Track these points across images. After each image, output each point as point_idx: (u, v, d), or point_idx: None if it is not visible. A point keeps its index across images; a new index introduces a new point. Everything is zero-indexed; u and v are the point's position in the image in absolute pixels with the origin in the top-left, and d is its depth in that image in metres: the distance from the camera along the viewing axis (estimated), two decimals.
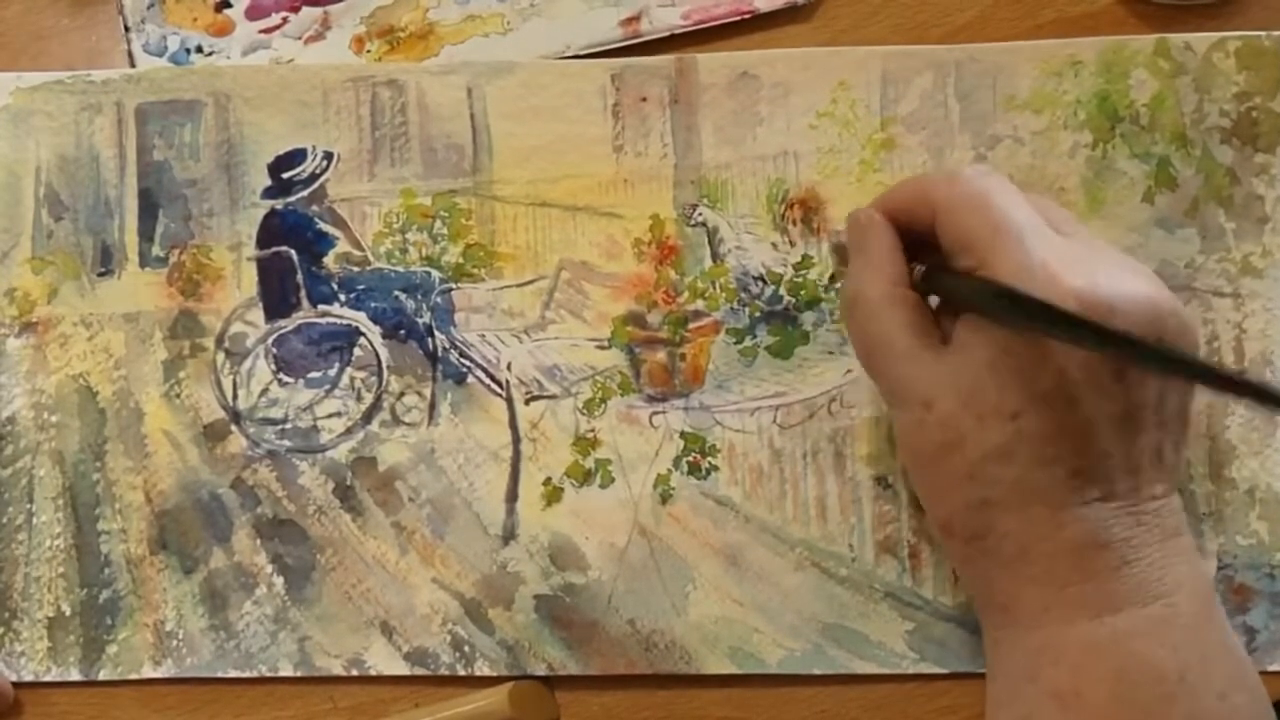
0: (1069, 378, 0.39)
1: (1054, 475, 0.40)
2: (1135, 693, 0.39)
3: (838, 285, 0.53)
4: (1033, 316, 0.39)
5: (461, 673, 0.52)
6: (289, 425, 0.53)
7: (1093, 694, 0.40)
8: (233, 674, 0.52)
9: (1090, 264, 0.40)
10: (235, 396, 0.54)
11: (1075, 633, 0.40)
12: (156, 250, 0.54)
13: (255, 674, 0.52)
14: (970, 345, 0.41)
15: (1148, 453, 0.41)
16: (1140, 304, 0.40)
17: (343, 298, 0.54)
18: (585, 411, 0.53)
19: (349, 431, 0.53)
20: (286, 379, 0.54)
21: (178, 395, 0.54)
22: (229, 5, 0.56)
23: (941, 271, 0.43)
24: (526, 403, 0.53)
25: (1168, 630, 0.40)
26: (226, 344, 0.54)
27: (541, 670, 0.51)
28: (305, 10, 0.56)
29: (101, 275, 0.54)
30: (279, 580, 0.52)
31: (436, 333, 0.54)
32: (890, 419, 0.51)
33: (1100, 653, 0.40)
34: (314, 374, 0.54)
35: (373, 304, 0.54)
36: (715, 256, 0.53)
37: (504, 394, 0.53)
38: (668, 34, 0.55)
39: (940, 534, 0.44)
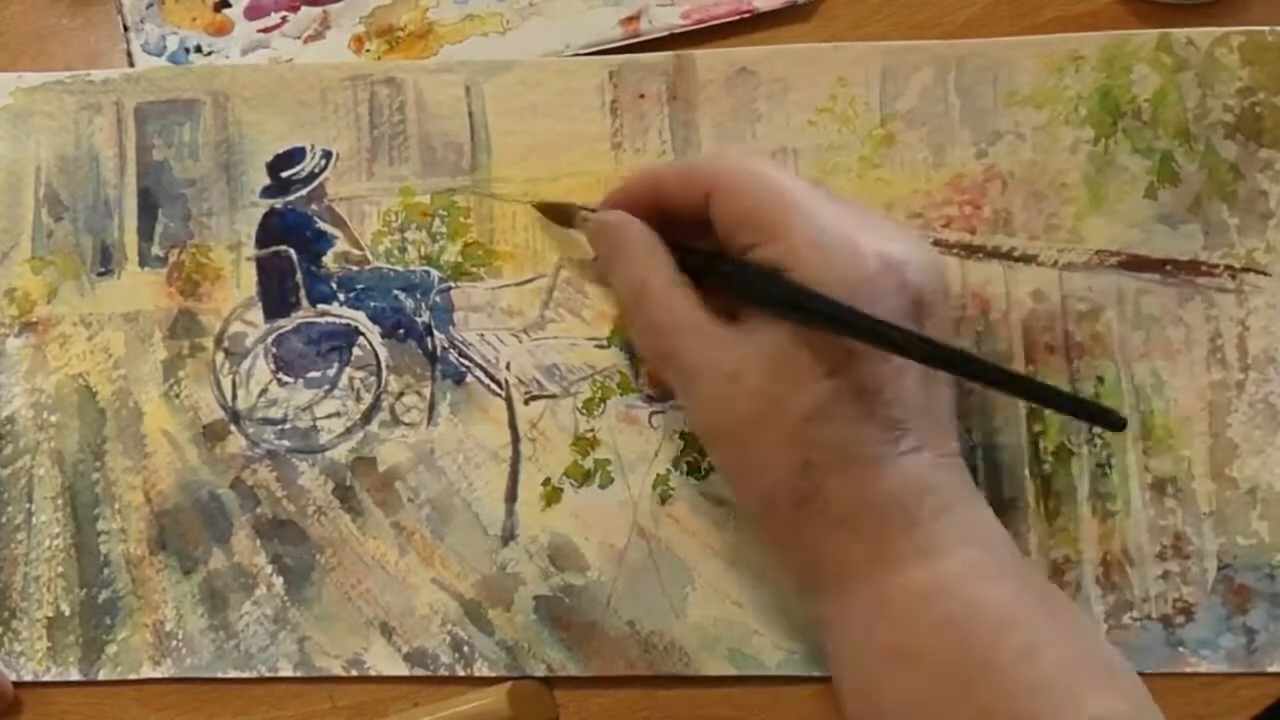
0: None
1: (872, 428, 0.41)
2: (968, 637, 0.40)
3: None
4: (824, 317, 0.40)
5: (461, 673, 0.51)
6: (288, 425, 0.53)
7: (926, 644, 0.40)
8: (232, 674, 0.52)
9: (875, 227, 0.42)
10: (234, 396, 0.54)
11: (903, 582, 0.41)
12: (156, 250, 0.54)
13: (255, 674, 0.52)
14: (768, 319, 0.42)
15: (945, 407, 0.43)
16: (930, 261, 0.42)
17: (342, 297, 0.54)
18: (585, 411, 0.53)
19: (348, 431, 0.53)
20: (286, 379, 0.54)
21: (177, 395, 0.54)
22: (228, 5, 0.56)
23: (717, 259, 0.44)
24: (526, 402, 0.53)
25: (991, 571, 0.41)
26: (226, 344, 0.54)
27: (541, 671, 0.51)
28: (304, 10, 0.56)
29: (101, 275, 0.54)
30: (278, 580, 0.52)
31: (435, 332, 0.53)
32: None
33: (928, 600, 0.40)
34: (313, 374, 0.54)
35: (372, 303, 0.54)
36: None
37: (503, 394, 0.53)
38: (667, 33, 0.54)
39: (759, 510, 0.44)
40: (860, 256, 0.41)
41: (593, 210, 0.49)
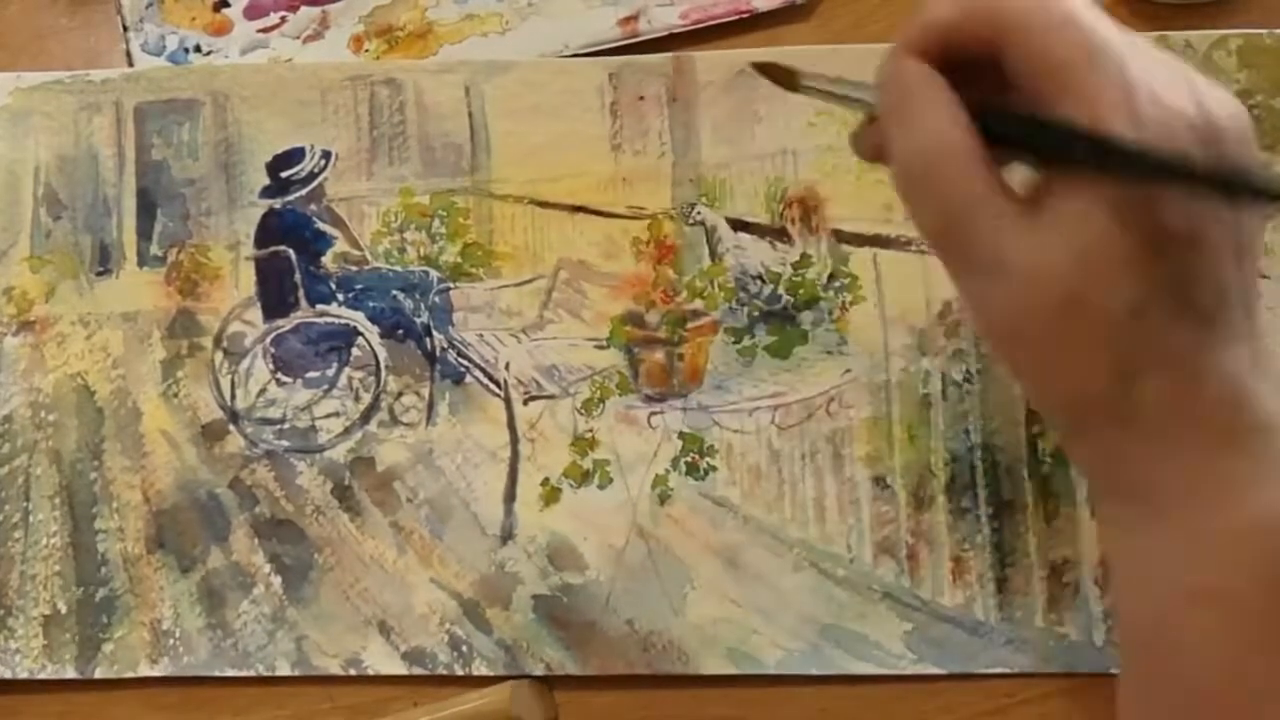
0: (1195, 210, 0.35)
1: (1192, 325, 0.35)
2: None
3: (837, 281, 0.52)
4: (1147, 170, 0.34)
5: (459, 672, 0.51)
6: (287, 425, 0.53)
7: (1245, 591, 0.35)
8: (230, 673, 0.52)
9: (1181, 79, 0.35)
10: (233, 396, 0.54)
11: (1224, 516, 0.36)
12: (155, 249, 0.54)
13: (252, 673, 0.52)
14: (1082, 192, 0.35)
15: (1252, 288, 0.36)
16: (1239, 116, 0.36)
17: (341, 297, 0.54)
18: (583, 411, 0.53)
19: (347, 431, 0.53)
20: (285, 379, 0.54)
21: (176, 395, 0.54)
22: (227, 5, 0.56)
23: (1022, 117, 0.36)
24: (525, 403, 0.53)
25: None
26: (224, 343, 0.54)
27: (539, 670, 0.51)
28: (304, 10, 0.56)
29: (100, 274, 0.54)
30: (277, 580, 0.52)
31: (435, 332, 0.53)
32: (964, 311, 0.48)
33: (1252, 540, 0.35)
34: (312, 374, 0.54)
35: (371, 303, 0.54)
36: (714, 256, 0.53)
37: (502, 394, 0.53)
38: (666, 33, 0.55)
39: (1063, 420, 0.38)
40: (1174, 130, 0.34)
41: (820, 75, 0.41)
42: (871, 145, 0.41)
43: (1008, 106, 0.36)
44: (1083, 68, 0.34)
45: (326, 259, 0.54)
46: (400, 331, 0.54)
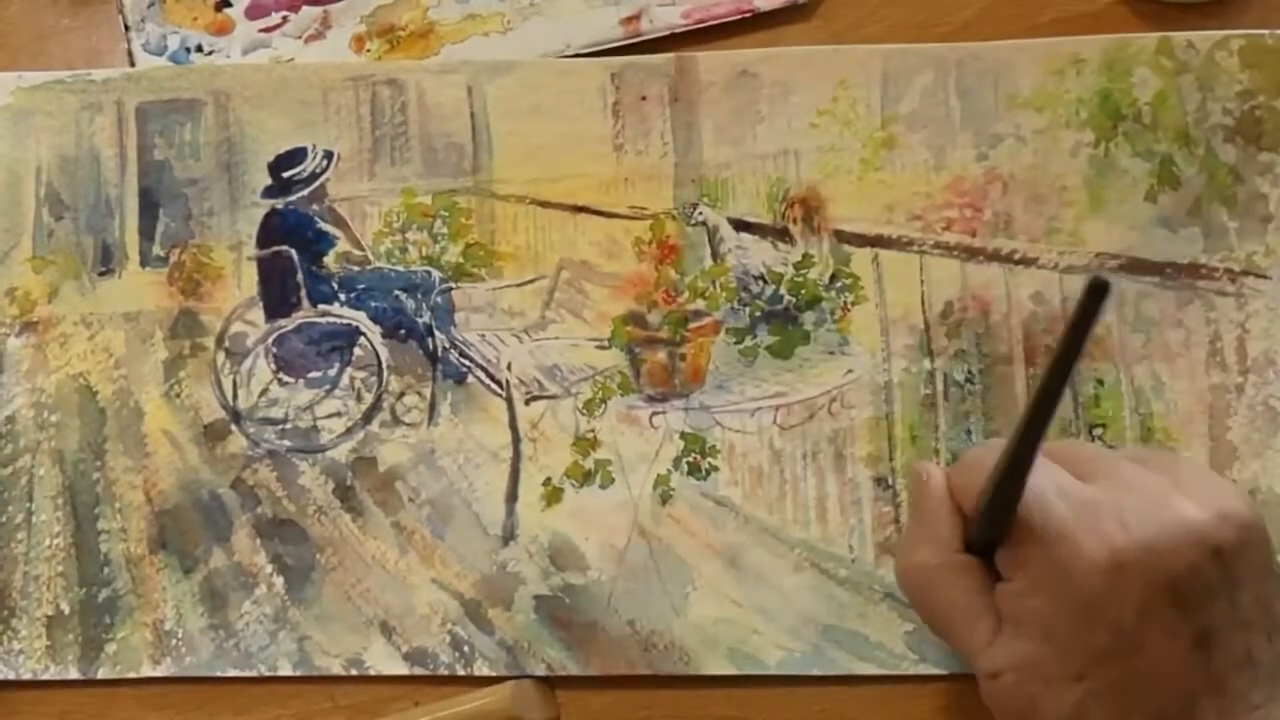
0: (1126, 627, 0.38)
1: None
2: None
3: (839, 282, 0.53)
4: None
5: (461, 672, 0.51)
6: (289, 425, 0.53)
7: None
8: (232, 673, 0.52)
9: (1120, 503, 0.39)
10: (235, 396, 0.54)
11: None
12: (157, 249, 0.54)
13: (254, 673, 0.52)
14: (1022, 616, 0.41)
15: (1232, 664, 0.39)
16: (1181, 530, 0.38)
17: (343, 297, 0.54)
18: (585, 412, 0.53)
19: (349, 431, 0.53)
20: (287, 379, 0.54)
21: (178, 395, 0.54)
22: (229, 4, 0.56)
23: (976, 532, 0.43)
24: (526, 403, 0.53)
25: None
26: (227, 343, 0.54)
27: (541, 670, 0.51)
28: (305, 9, 0.56)
29: (102, 275, 0.54)
30: (279, 580, 0.52)
31: (436, 332, 0.53)
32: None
33: None
34: (314, 374, 0.54)
35: (373, 303, 0.54)
36: (715, 256, 0.53)
37: (504, 394, 0.53)
38: (668, 33, 0.54)
39: None
40: (1082, 557, 0.39)
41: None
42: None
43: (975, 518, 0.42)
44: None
45: (328, 259, 0.54)
46: (402, 331, 0.54)
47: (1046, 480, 0.40)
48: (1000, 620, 0.41)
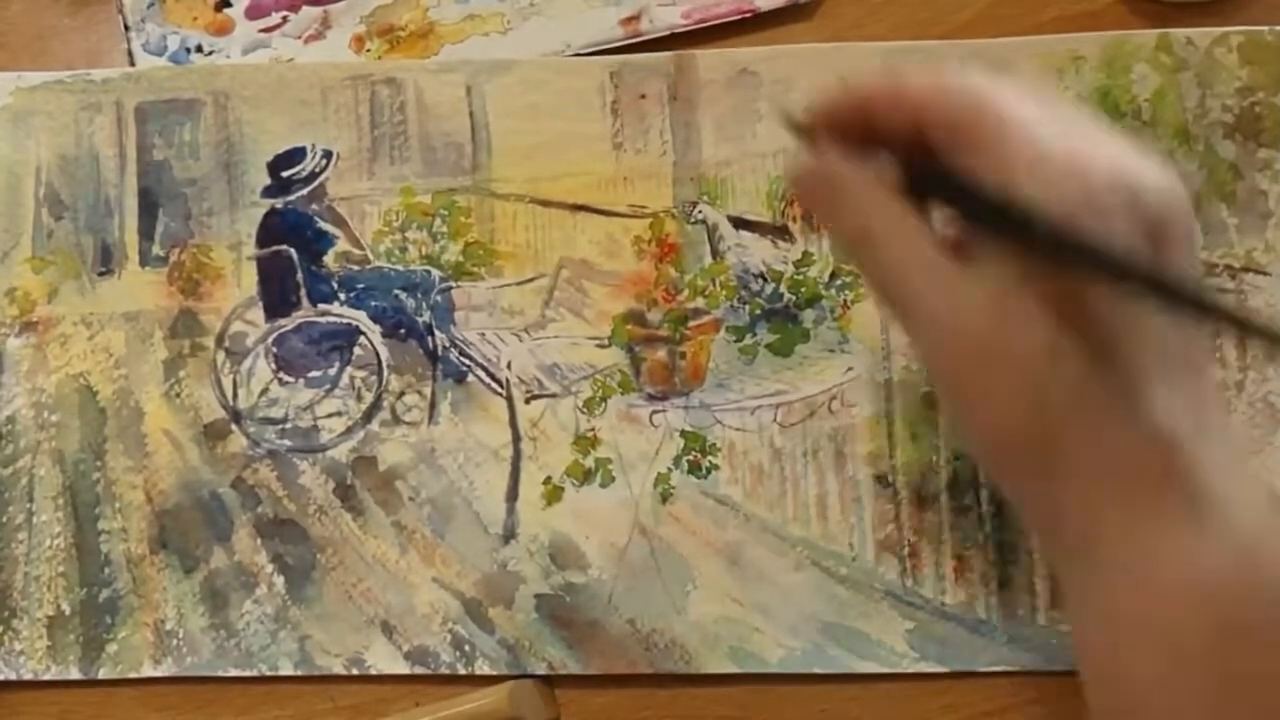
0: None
1: (1112, 376, 0.36)
2: (1238, 639, 0.35)
3: (839, 279, 0.52)
4: (1043, 241, 0.35)
5: (462, 672, 0.51)
6: (289, 425, 0.53)
7: (1195, 647, 0.35)
8: (233, 673, 0.52)
9: (1107, 144, 0.36)
10: (235, 396, 0.54)
11: (1163, 570, 0.35)
12: (156, 249, 0.54)
13: (255, 673, 0.52)
14: (997, 247, 0.37)
15: (1200, 346, 0.37)
16: (1169, 186, 0.36)
17: (343, 297, 0.54)
18: (585, 410, 0.53)
19: (349, 431, 0.53)
20: (287, 378, 0.54)
21: (178, 394, 0.54)
22: (229, 4, 0.56)
23: (945, 178, 0.38)
24: (527, 401, 0.53)
25: (1264, 559, 0.35)
26: (227, 343, 0.54)
27: (542, 669, 0.51)
28: (305, 9, 0.56)
29: (102, 274, 0.54)
30: (279, 579, 0.52)
31: (436, 331, 0.53)
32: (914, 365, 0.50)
33: (1192, 603, 0.35)
34: (314, 373, 0.54)
35: (373, 303, 0.54)
36: (715, 254, 0.53)
37: (504, 393, 0.53)
38: (668, 33, 0.54)
39: (994, 460, 0.39)
40: (1084, 174, 0.35)
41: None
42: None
43: (939, 170, 0.38)
44: (992, 133, 0.36)
45: (328, 258, 0.54)
46: (402, 331, 0.54)
47: (1025, 103, 0.37)
48: (966, 260, 0.37)
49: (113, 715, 0.53)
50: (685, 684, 0.51)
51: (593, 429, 0.53)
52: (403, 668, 0.52)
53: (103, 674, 0.52)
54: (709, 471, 0.52)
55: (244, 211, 0.54)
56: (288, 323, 0.54)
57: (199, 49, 0.56)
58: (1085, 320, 0.36)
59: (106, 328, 0.54)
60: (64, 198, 0.55)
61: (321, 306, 0.54)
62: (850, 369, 0.52)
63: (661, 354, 0.53)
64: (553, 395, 0.53)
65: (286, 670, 0.52)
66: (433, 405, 0.53)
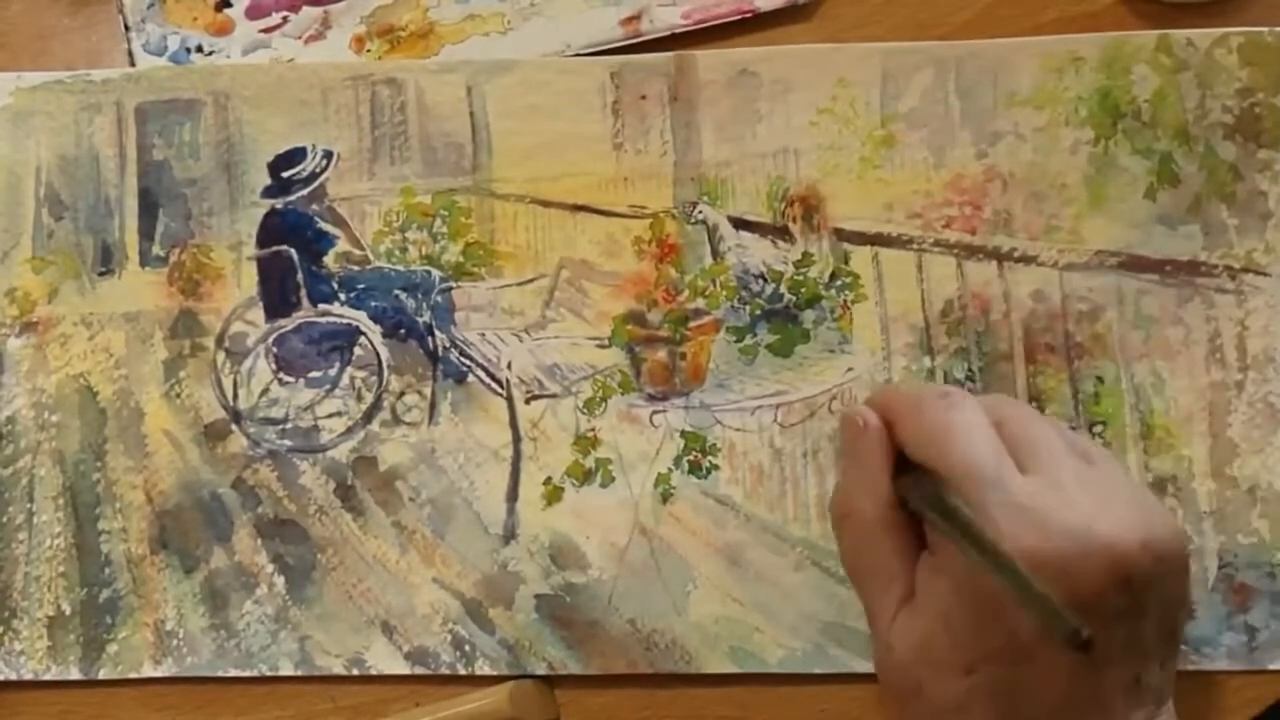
0: (1020, 634, 0.38)
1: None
2: None
3: (839, 280, 0.53)
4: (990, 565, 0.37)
5: (462, 672, 0.51)
6: (289, 425, 0.53)
7: None
8: (233, 673, 0.52)
9: (1048, 512, 0.38)
10: (236, 396, 0.54)
11: None
12: (157, 249, 0.54)
13: (256, 673, 0.52)
14: (928, 595, 0.40)
15: (1120, 687, 0.39)
16: (1097, 553, 0.37)
17: (343, 297, 0.54)
18: (586, 410, 0.53)
19: (349, 431, 0.53)
20: (287, 378, 0.54)
21: (178, 395, 0.54)
22: (229, 5, 0.56)
23: (926, 494, 0.41)
24: (527, 402, 0.53)
25: None
26: (227, 343, 0.54)
27: (542, 669, 0.51)
28: (305, 10, 0.56)
29: (102, 275, 0.54)
30: (280, 580, 0.52)
31: (437, 332, 0.53)
32: None
33: None
34: (314, 373, 0.54)
35: (373, 303, 0.54)
36: (715, 254, 0.53)
37: (504, 393, 0.53)
38: (668, 33, 0.54)
39: None
40: (1073, 577, 0.37)
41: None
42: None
43: (922, 481, 0.41)
44: (953, 482, 0.39)
45: (328, 259, 0.54)
46: (402, 331, 0.54)
47: (988, 464, 0.39)
48: (912, 591, 0.41)
49: (113, 715, 0.53)
50: (685, 684, 0.51)
51: (593, 429, 0.53)
52: (403, 668, 0.52)
53: (103, 674, 0.52)
54: (709, 472, 0.52)
55: (244, 212, 0.54)
56: (288, 323, 0.54)
57: (199, 49, 0.56)
58: (988, 679, 0.39)
59: (106, 328, 0.54)
60: (64, 198, 0.55)
61: (322, 307, 0.54)
62: (850, 369, 0.52)
63: (662, 354, 0.53)
64: (553, 395, 0.53)
65: (287, 670, 0.52)
66: (433, 405, 0.53)
